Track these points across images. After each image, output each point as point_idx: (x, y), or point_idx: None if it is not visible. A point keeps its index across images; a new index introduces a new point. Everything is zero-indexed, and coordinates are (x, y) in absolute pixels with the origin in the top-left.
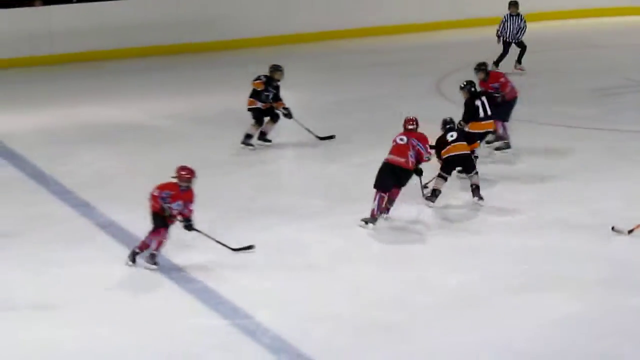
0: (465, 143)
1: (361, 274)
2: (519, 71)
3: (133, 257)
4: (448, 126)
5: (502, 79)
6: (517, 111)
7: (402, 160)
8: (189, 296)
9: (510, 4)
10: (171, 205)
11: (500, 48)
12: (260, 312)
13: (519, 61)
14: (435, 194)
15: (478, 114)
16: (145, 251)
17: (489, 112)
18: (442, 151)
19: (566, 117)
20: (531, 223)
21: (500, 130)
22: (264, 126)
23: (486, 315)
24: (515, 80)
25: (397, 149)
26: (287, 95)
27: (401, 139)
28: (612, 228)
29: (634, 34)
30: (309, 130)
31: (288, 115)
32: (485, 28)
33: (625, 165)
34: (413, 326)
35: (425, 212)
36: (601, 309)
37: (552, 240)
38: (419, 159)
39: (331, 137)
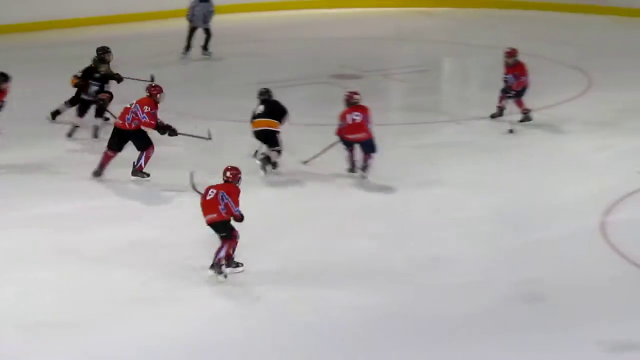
0: (269, 119)
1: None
2: (206, 57)
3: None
4: (262, 98)
5: None
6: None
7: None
8: None
9: None
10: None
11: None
12: None
13: (205, 47)
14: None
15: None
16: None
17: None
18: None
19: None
20: None
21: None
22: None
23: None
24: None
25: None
26: None
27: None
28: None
29: (296, 28)
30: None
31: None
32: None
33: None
34: (92, 325)
35: None
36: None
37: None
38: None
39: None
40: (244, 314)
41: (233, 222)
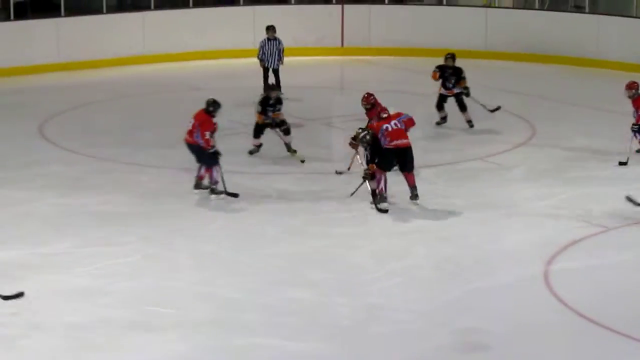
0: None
1: None
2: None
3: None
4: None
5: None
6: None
7: None
8: None
9: (268, 28)
10: None
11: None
12: None
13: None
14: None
15: None
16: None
17: None
18: None
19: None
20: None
21: None
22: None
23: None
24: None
25: None
26: None
27: None
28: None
29: (233, 77)
30: None
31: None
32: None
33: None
34: None
35: None
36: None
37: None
38: None
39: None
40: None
41: None
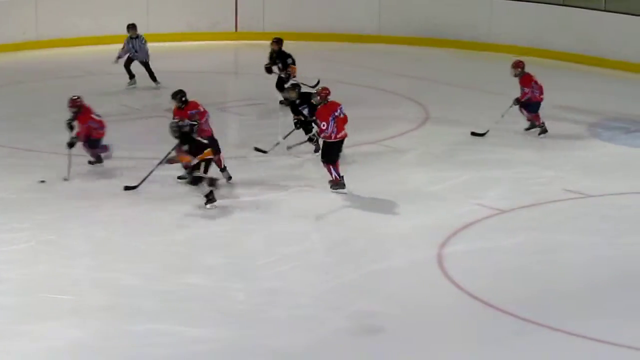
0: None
1: None
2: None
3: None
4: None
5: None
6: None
7: None
8: None
9: (129, 26)
10: None
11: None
12: None
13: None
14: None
15: None
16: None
17: None
18: None
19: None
20: None
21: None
22: None
23: None
24: None
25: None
26: None
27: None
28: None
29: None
30: None
31: None
32: None
33: None
34: None
35: None
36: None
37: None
38: None
39: None
40: (100, 347)
41: None
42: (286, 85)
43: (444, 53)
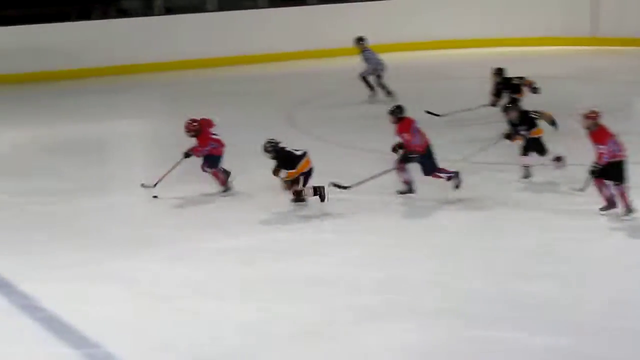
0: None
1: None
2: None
3: None
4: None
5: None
6: None
7: None
8: (37, 324)
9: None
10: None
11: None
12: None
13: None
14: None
15: None
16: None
17: None
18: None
19: None
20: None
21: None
22: None
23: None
24: None
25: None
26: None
27: None
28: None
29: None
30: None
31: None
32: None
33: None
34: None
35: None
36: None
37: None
38: None
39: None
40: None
41: None
42: (506, 104)
43: None
